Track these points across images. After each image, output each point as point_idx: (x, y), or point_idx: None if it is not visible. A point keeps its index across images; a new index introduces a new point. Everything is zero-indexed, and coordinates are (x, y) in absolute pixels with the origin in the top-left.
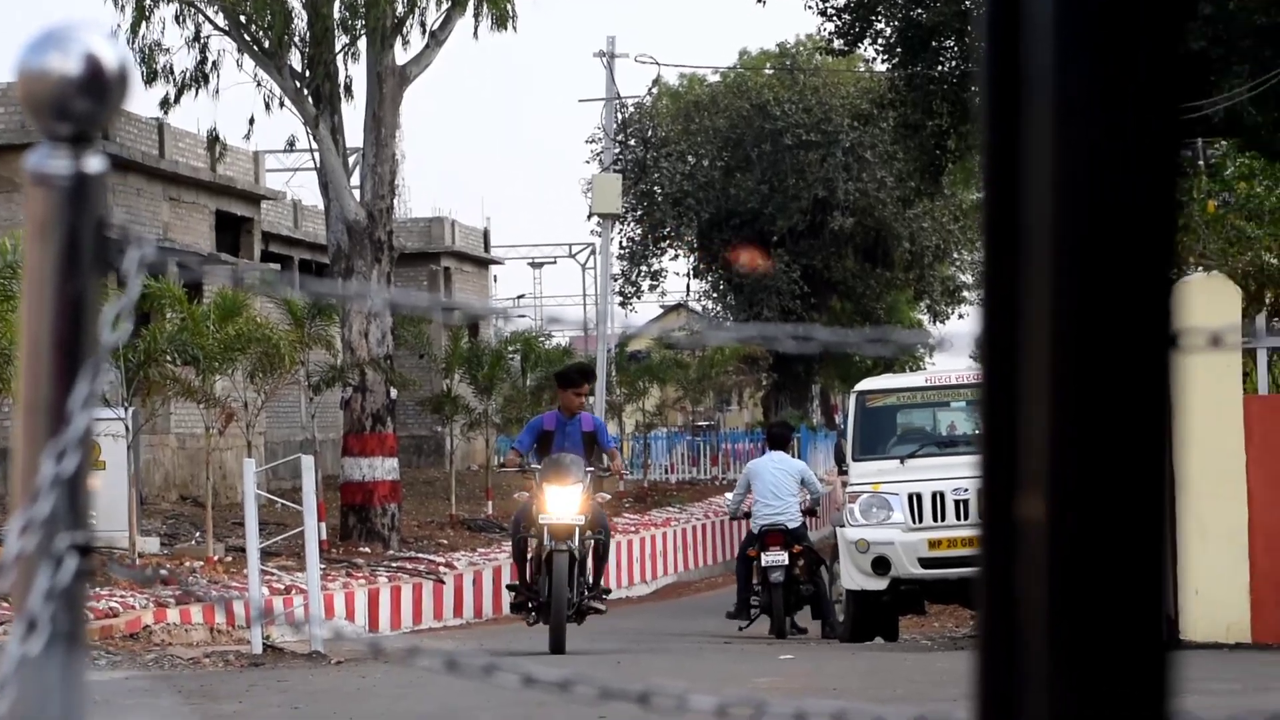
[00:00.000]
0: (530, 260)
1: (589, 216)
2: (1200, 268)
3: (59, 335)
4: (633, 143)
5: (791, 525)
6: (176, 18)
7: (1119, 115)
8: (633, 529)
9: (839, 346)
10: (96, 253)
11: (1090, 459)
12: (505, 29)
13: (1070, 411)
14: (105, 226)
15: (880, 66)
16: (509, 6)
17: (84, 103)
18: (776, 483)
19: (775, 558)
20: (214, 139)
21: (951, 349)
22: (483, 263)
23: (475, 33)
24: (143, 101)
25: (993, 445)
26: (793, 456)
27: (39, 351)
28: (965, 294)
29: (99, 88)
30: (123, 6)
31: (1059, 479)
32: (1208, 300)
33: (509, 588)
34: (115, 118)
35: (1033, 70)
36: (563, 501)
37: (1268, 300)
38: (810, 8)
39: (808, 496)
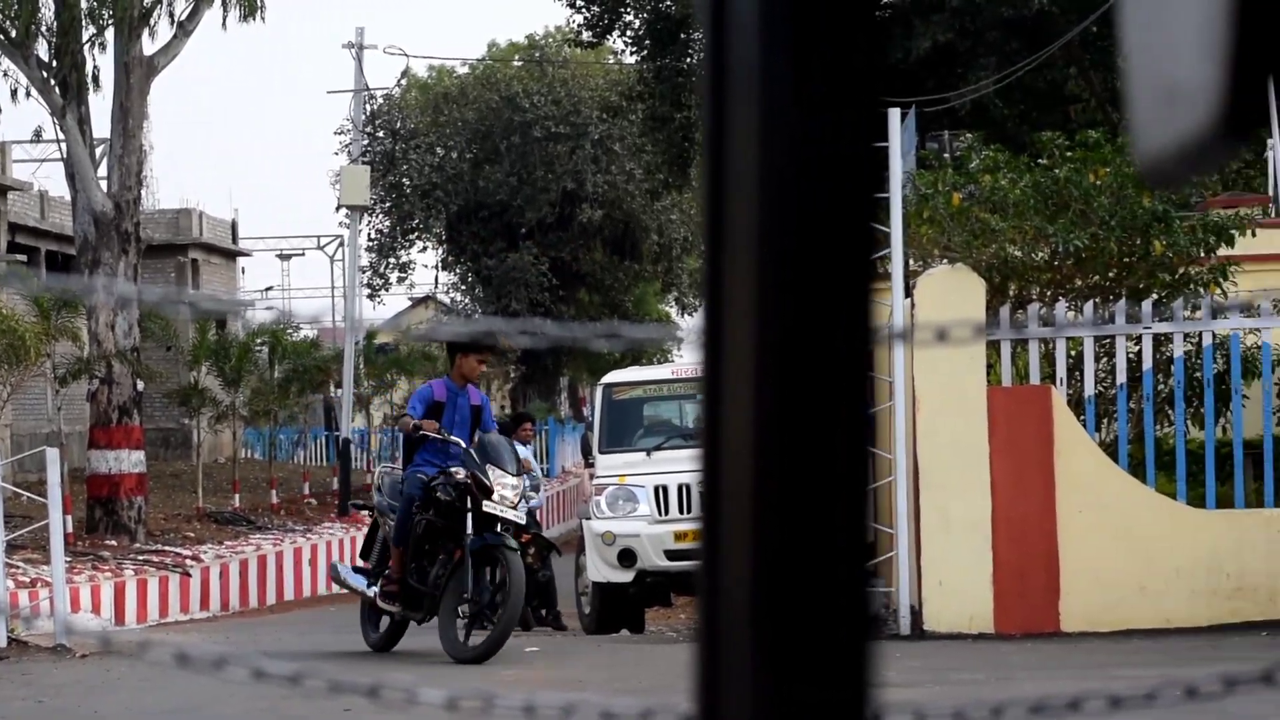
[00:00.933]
0: (279, 252)
1: (337, 209)
2: (945, 260)
3: None
4: (381, 134)
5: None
6: None
7: (818, 116)
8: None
9: (569, 341)
10: None
11: (790, 455)
12: (253, 19)
13: (770, 407)
14: None
15: (629, 59)
16: None
17: None
18: None
19: None
20: None
21: (688, 343)
22: (231, 254)
23: (224, 23)
24: None
25: (710, 439)
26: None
27: None
28: None
29: None
30: None
31: (760, 474)
32: (952, 291)
33: (375, 574)
34: None
35: (738, 67)
36: (509, 494)
37: (1011, 292)
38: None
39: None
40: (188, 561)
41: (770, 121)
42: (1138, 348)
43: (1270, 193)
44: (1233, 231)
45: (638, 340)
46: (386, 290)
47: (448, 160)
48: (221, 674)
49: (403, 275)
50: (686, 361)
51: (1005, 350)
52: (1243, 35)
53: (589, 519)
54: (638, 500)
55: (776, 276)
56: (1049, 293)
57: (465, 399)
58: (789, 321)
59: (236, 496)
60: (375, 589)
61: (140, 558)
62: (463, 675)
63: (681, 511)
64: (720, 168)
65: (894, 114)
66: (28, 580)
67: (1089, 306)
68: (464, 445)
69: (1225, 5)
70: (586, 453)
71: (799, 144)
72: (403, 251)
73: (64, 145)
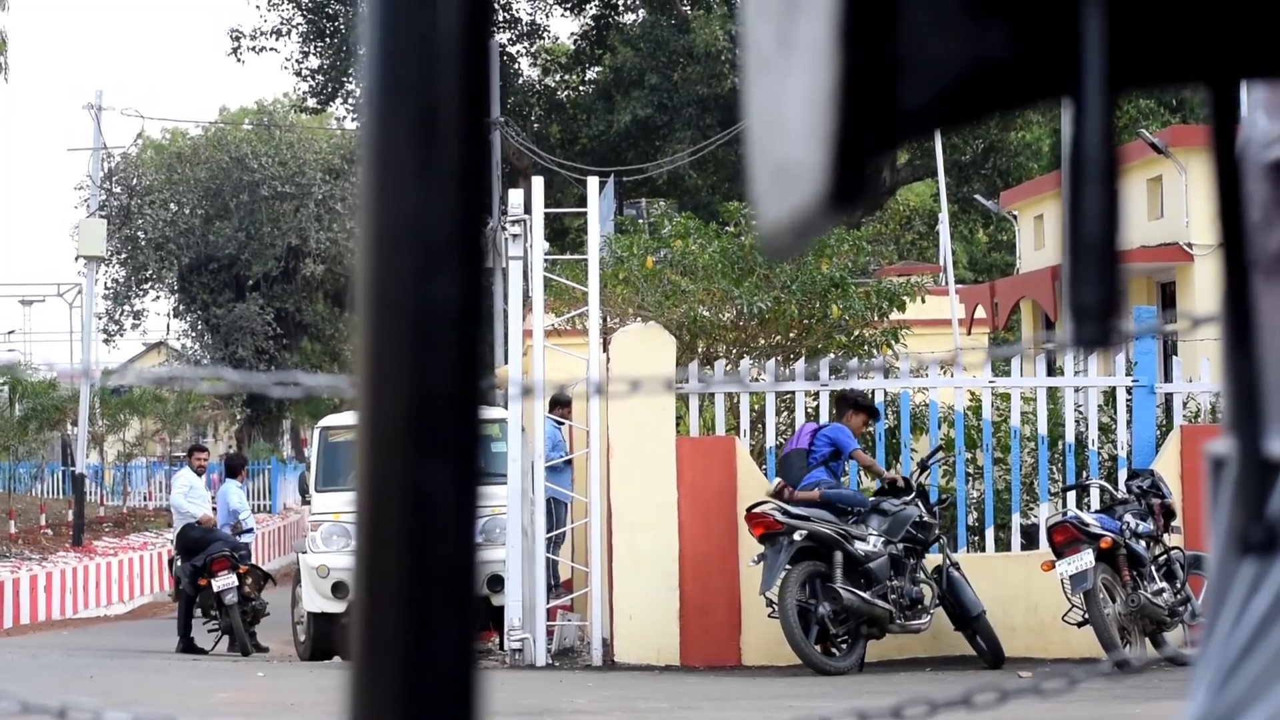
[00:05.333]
0: (20, 298)
1: (76, 258)
2: (639, 318)
3: None
4: (118, 190)
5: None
6: None
7: (432, 185)
8: (112, 552)
9: (249, 388)
10: None
11: (403, 487)
12: None
13: (386, 435)
14: None
15: (351, 124)
16: (2, 59)
17: None
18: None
19: (226, 581)
20: None
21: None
22: None
23: None
24: None
25: (366, 486)
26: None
27: None
28: None
29: None
30: None
31: (378, 500)
32: (645, 348)
33: None
34: None
35: (365, 137)
36: None
37: (700, 349)
38: (287, 68)
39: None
40: None
41: (387, 183)
42: (816, 403)
43: (940, 262)
44: (904, 298)
45: (319, 389)
46: (121, 335)
47: (180, 215)
48: None
49: (136, 322)
50: None
51: (694, 403)
52: (846, 117)
53: (305, 553)
54: (350, 536)
55: (389, 325)
56: (735, 350)
57: None
58: (402, 365)
59: None
60: None
61: None
62: (184, 693)
63: None
64: (365, 226)
65: (593, 183)
66: None
67: (771, 364)
68: None
69: (829, 88)
70: (304, 491)
71: (413, 208)
72: (137, 300)
73: None
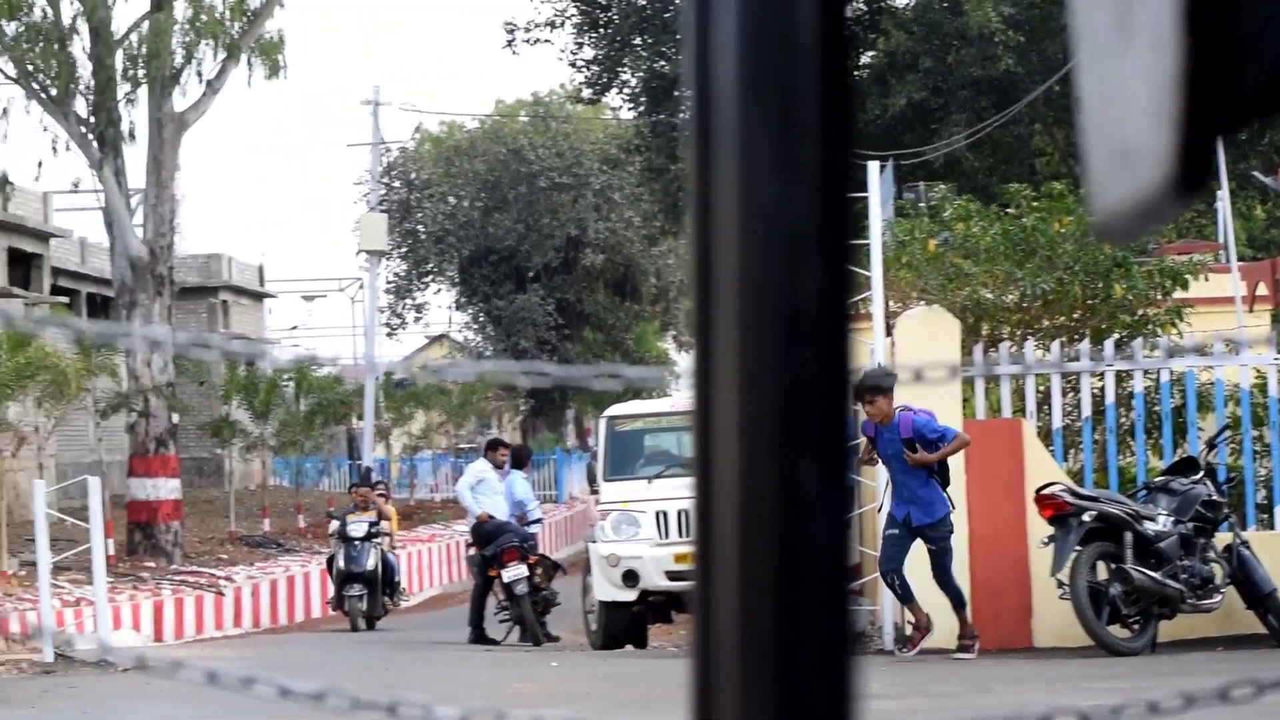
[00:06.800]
0: (303, 294)
1: (357, 253)
2: (922, 302)
3: None
4: (397, 185)
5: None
6: None
7: (797, 181)
8: (401, 544)
9: (571, 382)
10: None
11: (775, 475)
12: (277, 77)
13: (755, 430)
14: None
15: (627, 114)
16: (280, 58)
17: None
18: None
19: (516, 571)
20: (3, 181)
21: (680, 382)
22: (258, 296)
23: (249, 81)
24: None
25: (699, 464)
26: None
27: None
28: None
29: None
30: None
31: (747, 494)
32: (929, 331)
33: None
34: None
35: (720, 132)
36: None
37: (984, 332)
38: (562, 59)
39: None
40: (221, 582)
41: (750, 179)
42: (1101, 383)
43: (1220, 239)
44: (1187, 276)
45: (637, 380)
46: (403, 329)
47: (459, 208)
48: (250, 691)
49: (418, 315)
50: (684, 395)
51: (979, 386)
52: (1191, 100)
53: (594, 542)
54: (639, 525)
55: (757, 320)
56: (1018, 332)
57: None
58: (770, 361)
59: (266, 521)
60: None
61: (177, 578)
62: (478, 686)
63: (681, 535)
64: (706, 219)
65: (873, 167)
66: (72, 600)
67: (1056, 345)
68: None
69: (1174, 72)
70: (592, 480)
71: (778, 203)
72: (418, 293)
73: (102, 196)
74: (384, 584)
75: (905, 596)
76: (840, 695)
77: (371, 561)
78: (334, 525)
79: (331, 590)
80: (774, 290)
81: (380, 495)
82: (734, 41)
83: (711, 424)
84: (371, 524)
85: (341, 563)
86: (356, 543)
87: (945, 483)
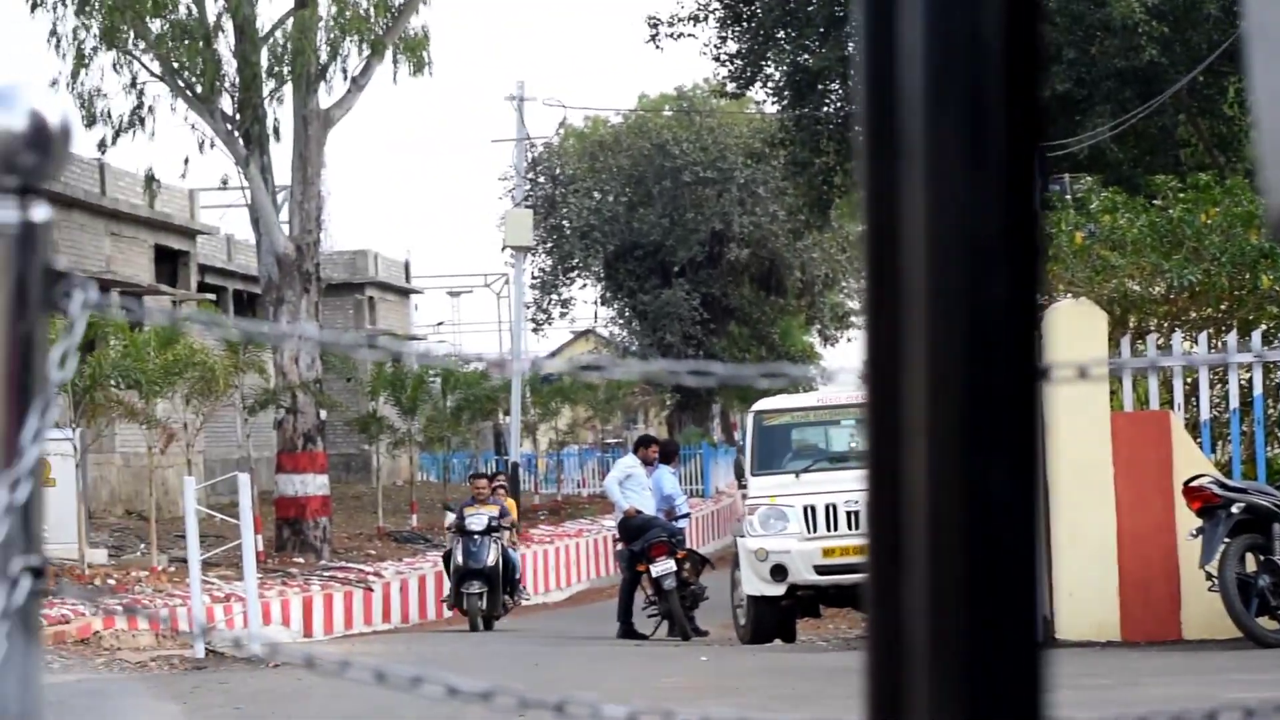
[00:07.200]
0: (449, 290)
1: (503, 249)
2: (1069, 294)
3: (10, 373)
4: (542, 180)
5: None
6: (114, 65)
7: (983, 166)
8: (548, 539)
9: (735, 380)
10: (43, 296)
11: (965, 475)
12: (421, 74)
13: (945, 431)
14: (51, 271)
15: (771, 108)
16: (424, 54)
17: (30, 157)
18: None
19: (664, 566)
20: (150, 179)
21: (838, 380)
22: (404, 292)
23: (394, 78)
24: (84, 143)
25: (877, 462)
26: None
27: None
28: (853, 319)
29: (44, 142)
30: (64, 55)
31: (937, 493)
32: (1077, 324)
33: None
34: (60, 167)
35: (907, 121)
36: None
37: (1131, 324)
38: (705, 53)
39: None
40: (370, 577)
41: (938, 184)
42: (1249, 375)
43: None
44: None
45: (796, 378)
46: (549, 324)
47: (604, 203)
48: (416, 691)
49: (564, 310)
50: (831, 390)
51: (1127, 379)
52: None
53: (743, 537)
54: (788, 519)
55: (946, 325)
56: (1165, 324)
57: None
58: (959, 353)
59: (414, 516)
60: None
61: (325, 574)
62: (630, 679)
63: (829, 529)
64: (881, 211)
65: None
66: (222, 596)
67: (1203, 337)
68: None
69: None
70: (739, 475)
71: (966, 208)
72: (564, 288)
73: (248, 193)
74: (505, 581)
75: None
76: (1032, 692)
77: (492, 557)
78: (450, 518)
79: (448, 587)
80: (962, 296)
81: (499, 488)
82: (920, 44)
83: (896, 426)
84: (492, 518)
85: (460, 558)
86: (476, 537)
87: None
